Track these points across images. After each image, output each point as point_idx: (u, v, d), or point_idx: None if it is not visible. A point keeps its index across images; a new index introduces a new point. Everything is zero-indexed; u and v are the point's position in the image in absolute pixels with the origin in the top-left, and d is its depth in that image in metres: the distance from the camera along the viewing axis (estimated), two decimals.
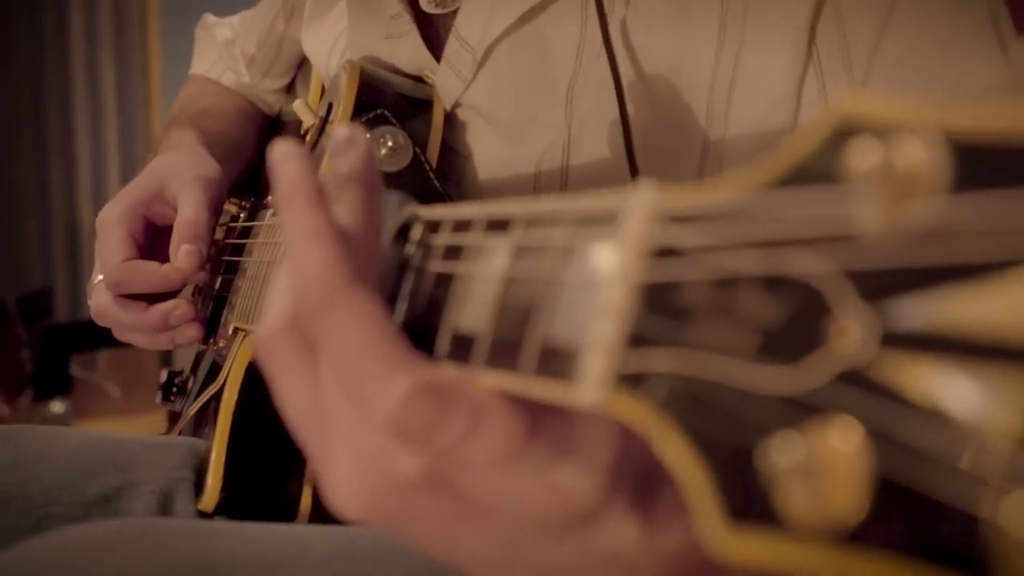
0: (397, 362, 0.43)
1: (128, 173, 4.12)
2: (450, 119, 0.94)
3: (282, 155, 0.48)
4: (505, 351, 0.45)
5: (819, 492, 0.30)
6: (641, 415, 0.36)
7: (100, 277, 1.06)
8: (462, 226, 0.52)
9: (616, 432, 0.44)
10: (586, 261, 0.41)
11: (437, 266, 0.53)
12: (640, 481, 0.46)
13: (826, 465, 0.30)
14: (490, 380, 0.44)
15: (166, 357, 3.23)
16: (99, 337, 3.41)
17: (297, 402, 0.48)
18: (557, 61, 0.87)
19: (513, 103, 0.89)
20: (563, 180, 0.87)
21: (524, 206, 0.47)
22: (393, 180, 0.86)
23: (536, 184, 0.88)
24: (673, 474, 0.35)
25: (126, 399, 3.63)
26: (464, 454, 0.42)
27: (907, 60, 0.73)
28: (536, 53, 0.88)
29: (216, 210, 1.08)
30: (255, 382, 0.93)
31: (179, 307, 1.04)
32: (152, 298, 1.06)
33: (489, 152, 0.92)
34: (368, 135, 0.85)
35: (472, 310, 0.48)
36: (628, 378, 0.37)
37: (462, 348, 0.48)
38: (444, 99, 0.94)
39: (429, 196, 0.87)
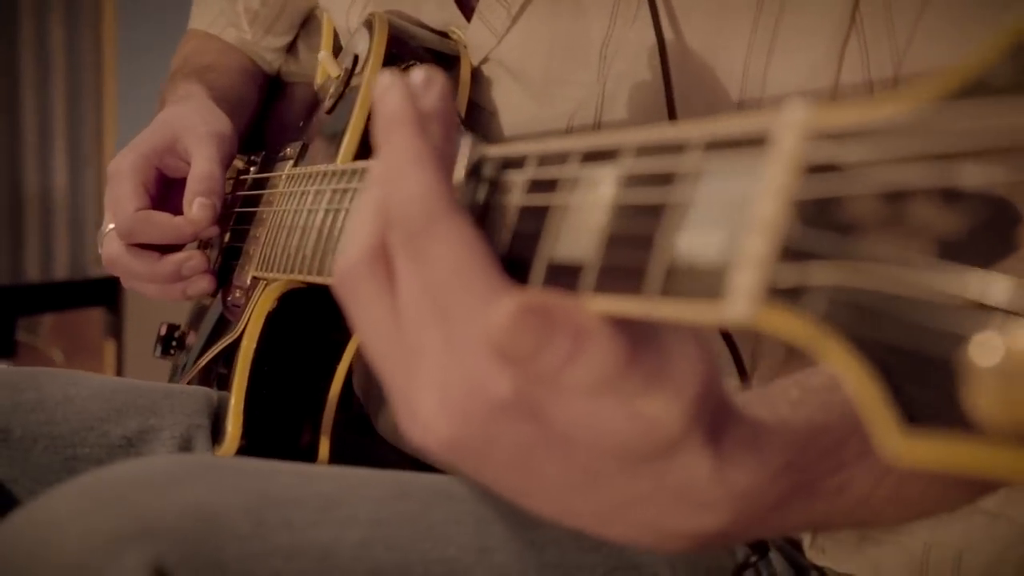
0: (499, 285, 0.45)
1: (74, 138, 4.03)
2: (476, 75, 0.94)
3: (384, 86, 0.49)
4: (618, 276, 0.45)
5: (1015, 393, 0.31)
6: (798, 327, 0.37)
7: (111, 226, 1.06)
8: (549, 160, 0.52)
9: (704, 364, 0.45)
10: (725, 182, 0.42)
11: (519, 200, 0.53)
12: (714, 417, 0.46)
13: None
14: (601, 305, 0.44)
15: (114, 323, 3.19)
16: (43, 302, 3.37)
17: (377, 333, 0.49)
18: (591, 19, 0.87)
19: (545, 60, 0.90)
20: None
21: (632, 135, 0.47)
22: None
23: None
24: (843, 384, 0.36)
25: (69, 364, 3.58)
26: (562, 378, 0.42)
27: (949, 28, 0.74)
28: (570, 10, 0.88)
29: (228, 166, 1.08)
30: (274, 331, 0.93)
31: (192, 258, 1.04)
32: (162, 249, 1.05)
33: (517, 109, 0.92)
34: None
35: (573, 239, 0.48)
36: (784, 292, 0.37)
37: (561, 276, 0.48)
38: (473, 54, 0.94)
39: None
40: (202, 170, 1.03)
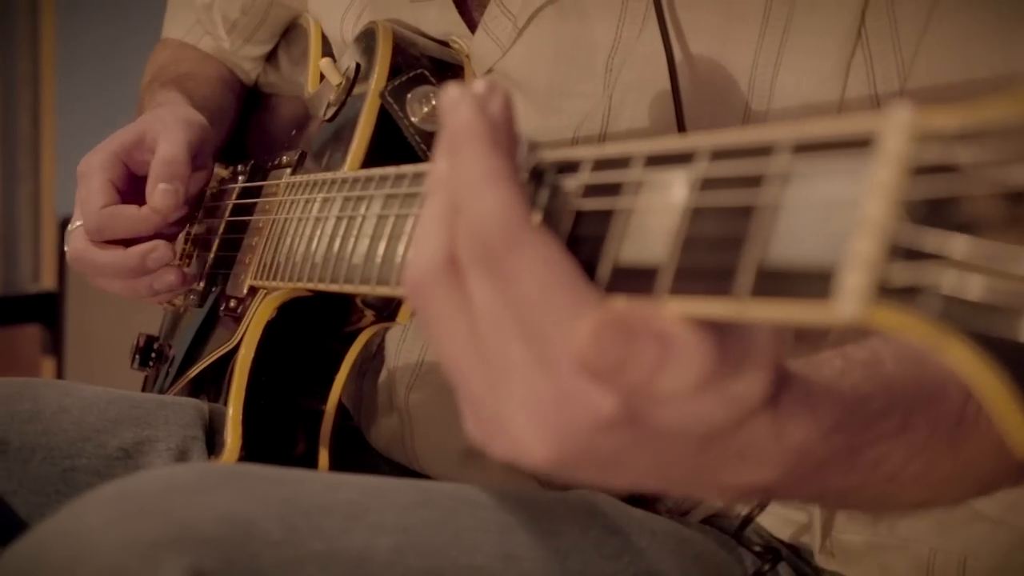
0: (585, 301, 0.45)
1: (8, 152, 3.93)
2: None
3: (453, 99, 0.49)
4: (699, 278, 0.45)
5: None
6: (914, 325, 0.37)
7: (79, 223, 1.03)
8: (607, 164, 0.53)
9: (773, 333, 0.45)
10: (822, 185, 0.42)
11: (577, 204, 0.53)
12: (776, 376, 0.47)
13: None
14: (684, 307, 0.44)
15: (52, 340, 3.13)
16: None
17: (456, 344, 0.48)
18: (596, 31, 0.87)
19: (550, 72, 0.90)
20: None
21: (706, 138, 0.48)
22: (434, 140, 0.86)
23: None
24: (966, 382, 0.36)
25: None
26: (657, 385, 0.42)
27: (954, 43, 0.76)
28: (576, 21, 0.88)
29: (199, 155, 1.06)
30: (273, 341, 0.92)
31: (156, 248, 1.01)
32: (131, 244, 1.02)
33: (521, 120, 0.92)
34: (409, 94, 0.85)
35: (642, 242, 0.49)
36: (897, 292, 0.38)
37: (631, 280, 0.48)
38: (476, 66, 0.94)
39: None
40: (164, 154, 1.01)
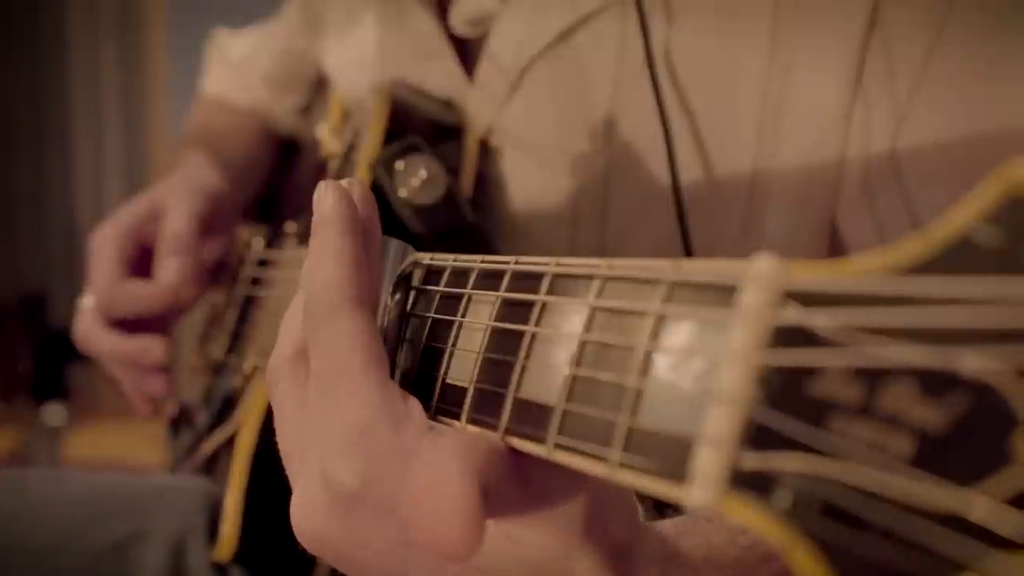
0: (368, 380, 0.45)
1: (130, 172, 3.99)
2: (483, 146, 0.89)
3: (322, 190, 0.51)
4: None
5: None
6: (763, 523, 0.32)
7: (89, 300, 0.99)
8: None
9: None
10: (686, 337, 0.37)
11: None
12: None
13: None
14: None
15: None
16: None
17: (283, 427, 0.50)
18: (595, 83, 0.82)
19: (549, 128, 0.84)
20: (603, 212, 0.82)
21: (600, 265, 0.43)
22: (426, 213, 0.81)
23: (575, 216, 0.83)
24: None
25: (126, 405, 3.58)
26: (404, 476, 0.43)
27: (953, 84, 0.69)
28: (573, 75, 0.83)
29: (213, 223, 1.01)
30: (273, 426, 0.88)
31: (152, 349, 0.96)
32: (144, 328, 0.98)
33: (524, 181, 0.87)
34: (401, 164, 0.80)
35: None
36: (746, 478, 0.32)
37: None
38: (477, 125, 0.89)
39: (463, 230, 0.82)
40: (172, 228, 0.95)
